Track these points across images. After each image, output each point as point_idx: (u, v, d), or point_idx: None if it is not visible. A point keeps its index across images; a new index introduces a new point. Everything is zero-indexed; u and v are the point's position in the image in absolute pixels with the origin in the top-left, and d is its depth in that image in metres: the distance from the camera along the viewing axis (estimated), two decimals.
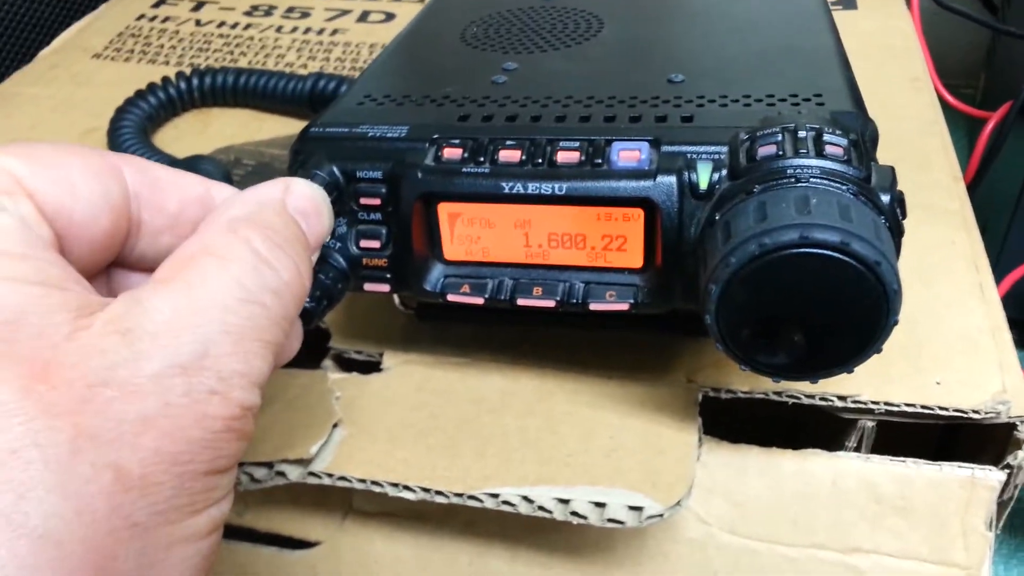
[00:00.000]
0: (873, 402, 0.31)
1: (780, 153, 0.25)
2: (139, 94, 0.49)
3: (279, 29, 0.60)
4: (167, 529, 0.17)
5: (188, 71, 0.51)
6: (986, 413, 0.31)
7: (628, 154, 0.27)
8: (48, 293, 0.18)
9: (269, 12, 0.63)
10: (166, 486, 0.17)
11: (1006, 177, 0.52)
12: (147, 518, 0.17)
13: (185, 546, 0.18)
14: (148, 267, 0.24)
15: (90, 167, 0.22)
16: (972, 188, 0.50)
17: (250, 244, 0.21)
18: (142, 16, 0.63)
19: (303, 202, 0.25)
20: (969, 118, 0.61)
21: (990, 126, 0.51)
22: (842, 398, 0.31)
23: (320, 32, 0.60)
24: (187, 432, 0.18)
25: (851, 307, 0.23)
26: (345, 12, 0.62)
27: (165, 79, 0.50)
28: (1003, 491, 0.31)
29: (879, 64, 0.51)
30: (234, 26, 0.61)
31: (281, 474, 0.30)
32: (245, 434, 0.20)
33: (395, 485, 0.29)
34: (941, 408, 0.31)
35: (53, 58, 0.58)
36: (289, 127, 0.50)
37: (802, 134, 0.26)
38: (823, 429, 0.33)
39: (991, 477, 0.30)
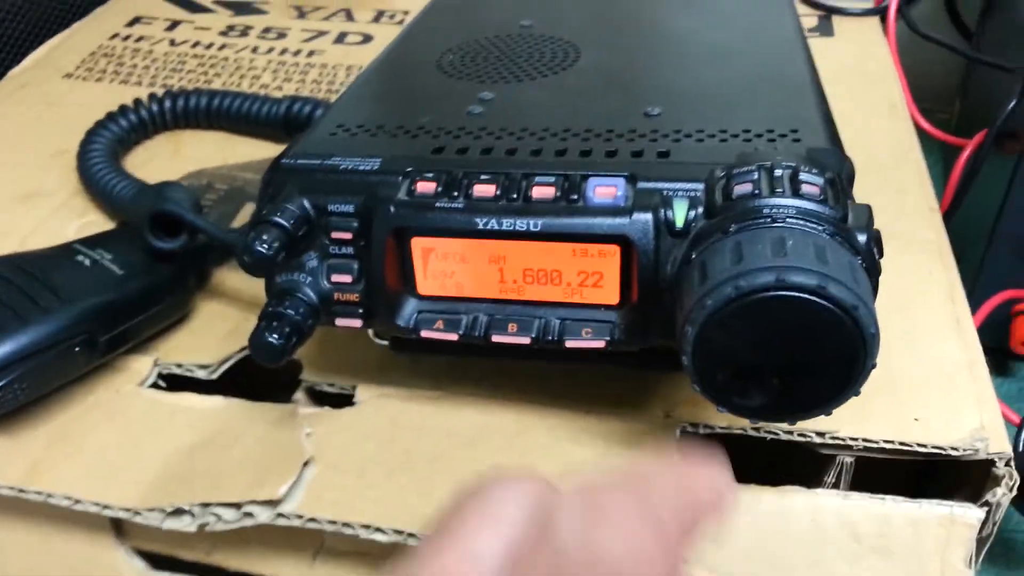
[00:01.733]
0: (852, 439, 0.31)
1: (756, 192, 0.25)
2: (110, 116, 0.48)
3: (255, 50, 0.59)
4: None
5: (160, 92, 0.50)
6: (964, 450, 0.31)
7: (604, 190, 0.27)
8: None
9: (245, 33, 0.62)
10: None
11: (981, 205, 0.52)
12: None
13: None
14: None
15: None
16: (948, 216, 0.50)
17: None
18: (115, 35, 0.62)
19: None
20: (944, 144, 0.61)
21: (966, 154, 0.51)
22: (820, 434, 0.31)
23: (296, 53, 0.59)
24: None
25: (828, 350, 0.23)
26: (322, 33, 0.62)
27: (137, 101, 0.49)
28: (982, 528, 0.31)
29: (856, 91, 0.51)
30: (209, 46, 0.60)
31: (249, 515, 0.29)
32: None
33: (367, 527, 0.28)
34: (920, 445, 0.31)
35: (23, 77, 0.57)
36: (263, 150, 0.49)
37: (778, 172, 0.26)
38: (802, 464, 0.33)
39: (970, 515, 0.30)
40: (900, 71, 0.55)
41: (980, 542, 0.31)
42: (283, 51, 0.59)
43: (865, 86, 0.52)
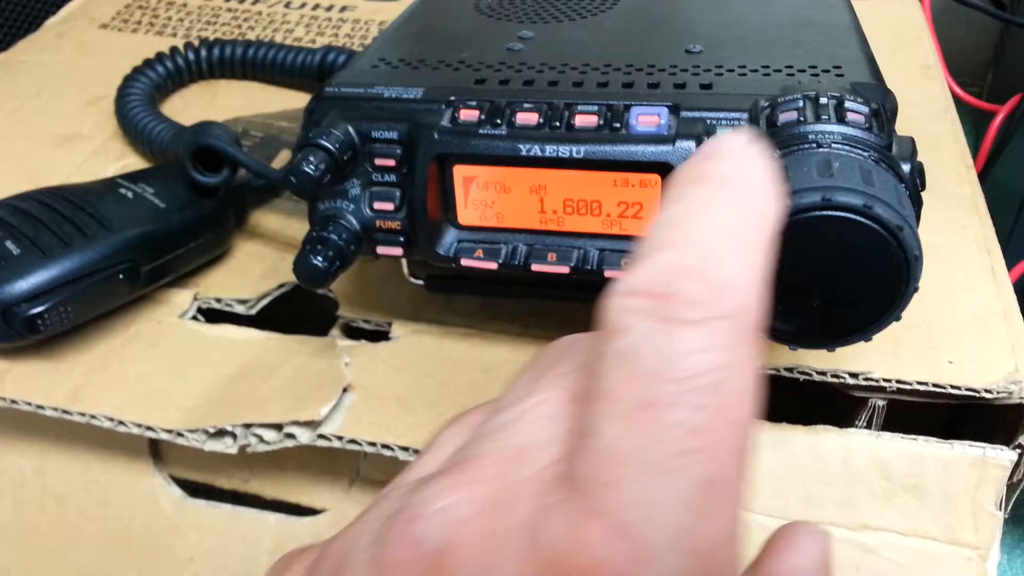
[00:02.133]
0: (885, 380, 0.31)
1: (801, 119, 0.25)
2: (147, 63, 0.49)
3: (287, 4, 0.60)
4: None
5: (196, 43, 0.51)
6: (998, 393, 0.31)
7: (647, 119, 0.27)
8: None
9: None
10: None
11: (1013, 170, 0.52)
12: None
13: None
14: None
15: None
16: (980, 181, 0.50)
17: None
18: None
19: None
20: (976, 113, 0.61)
21: (999, 118, 0.51)
22: (854, 375, 0.31)
23: (329, 8, 0.59)
24: None
25: (872, 272, 0.23)
26: None
27: (173, 49, 0.50)
28: (1013, 472, 0.31)
29: (891, 52, 0.51)
30: (242, 0, 0.60)
31: (291, 436, 0.30)
32: None
33: (405, 449, 0.29)
34: (953, 387, 0.31)
35: (60, 27, 0.58)
36: (297, 100, 0.50)
37: (823, 101, 0.26)
38: (833, 408, 0.33)
39: (1002, 457, 0.30)
40: (933, 34, 0.54)
41: (1011, 488, 0.31)
42: (315, 6, 0.60)
43: (899, 48, 0.52)
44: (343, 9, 0.59)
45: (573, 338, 0.20)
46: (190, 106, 0.50)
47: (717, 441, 0.15)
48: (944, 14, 0.63)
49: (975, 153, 0.54)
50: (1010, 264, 0.50)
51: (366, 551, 0.17)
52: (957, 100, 0.54)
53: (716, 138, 0.18)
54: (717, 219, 0.16)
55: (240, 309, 0.36)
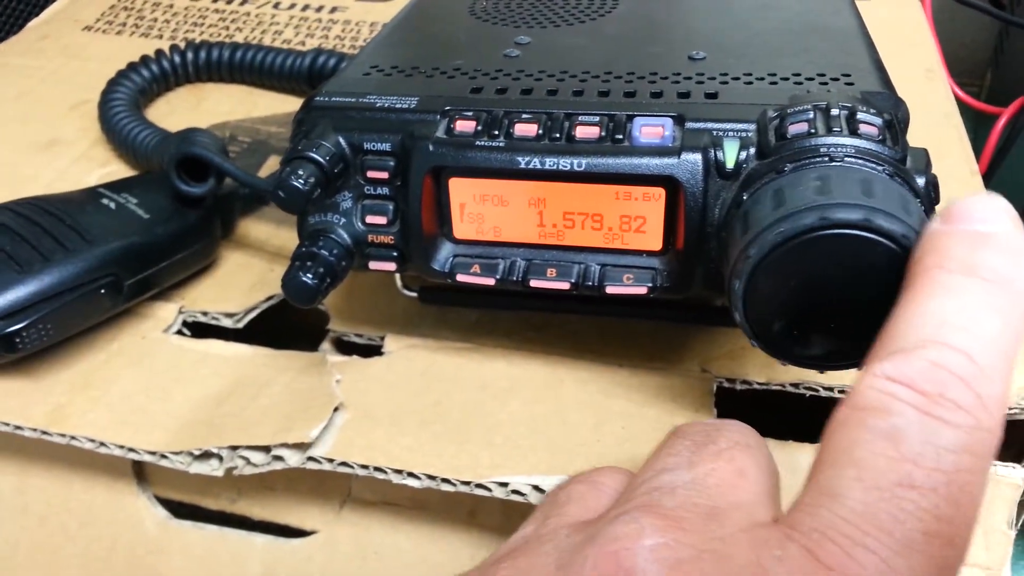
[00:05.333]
0: None
1: (812, 131, 0.24)
2: (132, 66, 0.48)
3: (276, 5, 0.58)
4: None
5: (182, 45, 0.49)
6: (1010, 409, 0.30)
7: (651, 130, 0.26)
8: None
9: None
10: None
11: (1019, 173, 0.51)
12: None
13: None
14: None
15: None
16: (983, 185, 0.49)
17: None
18: None
19: None
20: (974, 114, 0.60)
21: (1003, 121, 0.50)
22: None
23: (319, 9, 0.58)
24: None
25: (890, 292, 0.22)
26: None
27: (159, 52, 0.49)
28: None
29: (892, 54, 0.49)
30: (230, 1, 0.59)
31: (279, 458, 0.29)
32: None
33: (399, 472, 0.28)
34: None
35: (43, 29, 0.56)
36: (286, 104, 0.48)
37: (834, 112, 0.25)
38: None
39: (1014, 475, 0.29)
40: (935, 36, 0.53)
41: (1021, 505, 0.30)
42: (305, 7, 0.58)
43: (901, 50, 0.51)
44: (333, 10, 0.58)
45: (714, 422, 0.22)
46: (176, 111, 0.48)
47: (956, 534, 0.16)
48: (942, 13, 0.62)
49: (978, 156, 0.53)
50: None
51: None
52: (957, 101, 0.53)
53: (980, 205, 0.19)
54: (992, 327, 0.17)
55: (227, 323, 0.35)
